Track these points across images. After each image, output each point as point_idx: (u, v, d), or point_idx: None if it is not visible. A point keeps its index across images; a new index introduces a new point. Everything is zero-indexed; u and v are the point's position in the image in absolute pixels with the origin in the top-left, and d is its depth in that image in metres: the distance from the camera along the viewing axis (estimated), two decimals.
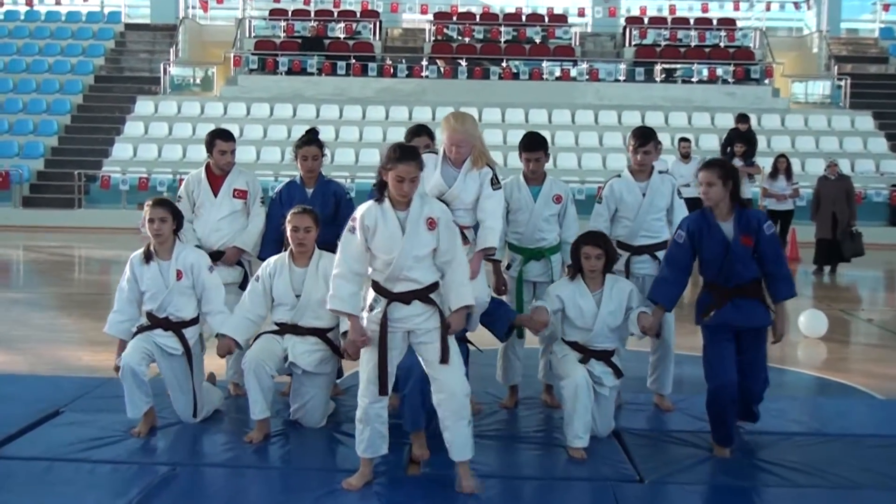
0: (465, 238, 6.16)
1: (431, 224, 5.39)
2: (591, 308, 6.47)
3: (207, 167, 7.54)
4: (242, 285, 7.32)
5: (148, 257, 6.54)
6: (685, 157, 17.31)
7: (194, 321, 6.68)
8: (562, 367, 6.54)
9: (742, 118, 18.25)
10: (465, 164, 6.37)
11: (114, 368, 6.62)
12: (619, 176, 7.35)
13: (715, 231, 6.19)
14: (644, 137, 7.22)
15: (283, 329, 6.60)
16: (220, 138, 7.45)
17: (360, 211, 5.43)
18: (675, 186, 7.35)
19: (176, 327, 6.58)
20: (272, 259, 6.72)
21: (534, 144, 7.21)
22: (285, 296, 6.57)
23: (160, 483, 5.62)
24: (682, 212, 7.03)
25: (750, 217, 6.23)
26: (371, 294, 5.58)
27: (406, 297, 5.42)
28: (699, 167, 6.32)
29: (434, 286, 5.46)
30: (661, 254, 6.92)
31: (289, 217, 6.54)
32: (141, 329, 6.61)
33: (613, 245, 6.71)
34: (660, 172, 7.36)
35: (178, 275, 6.51)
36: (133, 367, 6.38)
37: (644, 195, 7.09)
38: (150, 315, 6.61)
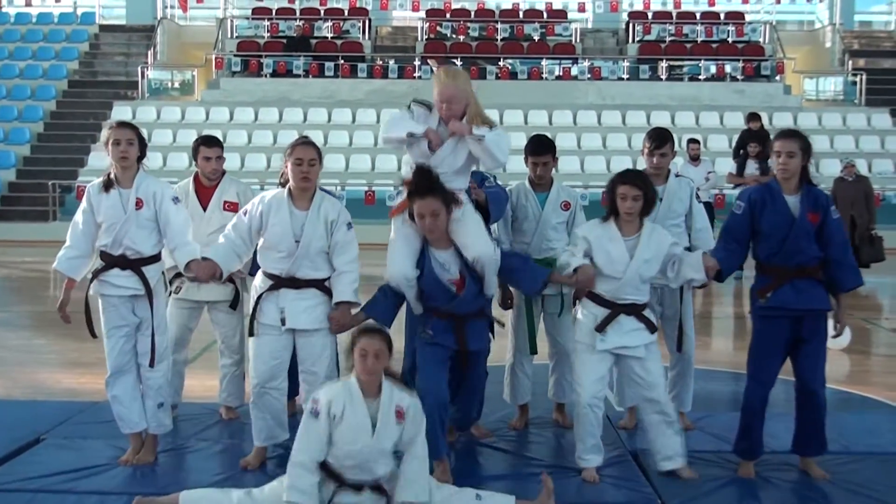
0: (457, 201, 6.10)
1: (399, 415, 5.35)
2: (621, 254, 6.17)
3: (196, 178, 7.44)
4: (233, 303, 7.25)
5: (108, 186, 6.28)
6: (694, 159, 17.27)
7: (154, 258, 6.41)
8: (577, 368, 6.41)
9: (753, 117, 18.27)
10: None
11: (58, 309, 6.37)
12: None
13: (780, 204, 6.09)
14: (661, 139, 7.12)
15: (279, 283, 6.28)
16: (203, 144, 7.36)
17: (325, 394, 5.37)
18: (693, 190, 7.28)
19: (134, 265, 6.30)
20: (267, 195, 6.34)
21: (541, 147, 7.16)
22: (283, 241, 6.20)
23: None
24: (701, 216, 7.01)
25: (818, 195, 6.17)
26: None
27: (359, 486, 5.40)
28: (775, 137, 6.26)
29: (390, 477, 5.43)
30: None
31: (291, 150, 6.25)
32: (95, 274, 6.36)
33: (654, 188, 6.43)
34: (676, 176, 7.27)
35: (139, 203, 6.22)
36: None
37: (661, 200, 6.90)
38: (104, 254, 6.34)
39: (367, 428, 5.30)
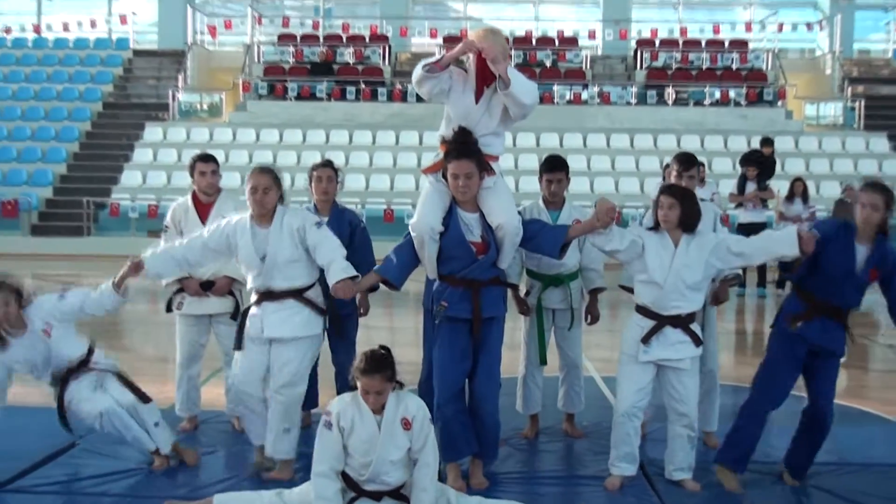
0: (490, 168, 6.08)
1: (406, 424, 5.36)
2: (665, 259, 6.09)
3: (194, 195, 7.42)
4: (234, 315, 7.24)
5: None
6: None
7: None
8: (619, 377, 6.36)
9: (767, 142, 18.25)
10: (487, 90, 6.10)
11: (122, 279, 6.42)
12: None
13: (849, 250, 6.02)
14: (689, 162, 7.11)
15: (260, 298, 6.31)
16: (199, 160, 7.37)
17: (336, 407, 5.41)
18: (718, 215, 7.19)
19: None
20: (233, 218, 6.36)
21: (556, 165, 7.16)
22: (251, 260, 6.24)
23: None
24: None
25: (887, 253, 6.10)
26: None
27: (376, 496, 5.45)
28: (860, 188, 6.19)
29: (405, 484, 5.46)
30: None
31: (248, 177, 6.26)
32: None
33: (697, 201, 6.29)
34: (702, 200, 6.95)
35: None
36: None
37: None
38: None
39: (375, 438, 5.34)
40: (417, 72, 5.99)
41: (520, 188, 21.35)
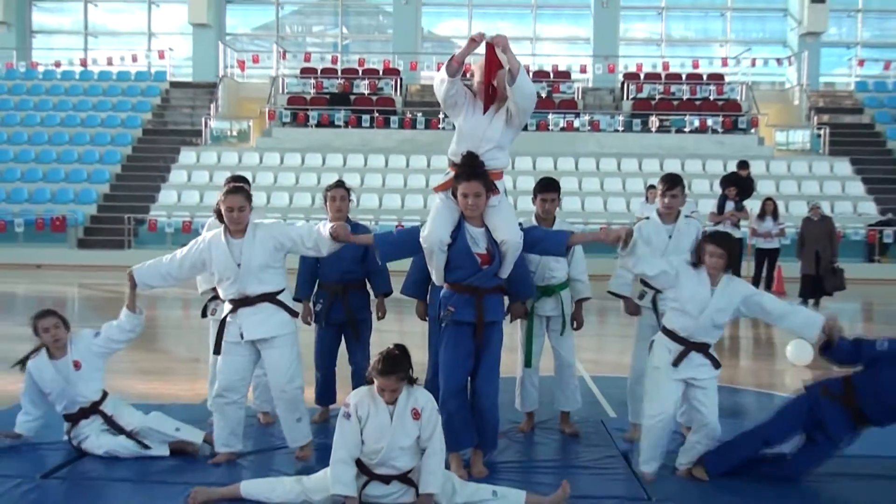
0: (495, 188, 6.09)
1: (416, 415, 5.39)
2: (704, 297, 6.10)
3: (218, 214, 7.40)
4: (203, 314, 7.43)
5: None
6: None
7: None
8: (651, 390, 6.34)
9: (743, 165, 18.25)
10: (493, 106, 6.14)
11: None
12: (647, 218, 7.20)
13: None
14: (672, 182, 7.10)
15: (235, 305, 6.29)
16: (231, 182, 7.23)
17: (354, 399, 5.45)
18: (700, 230, 7.17)
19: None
20: (207, 236, 6.37)
21: (549, 186, 7.14)
22: (227, 267, 6.22)
23: None
24: (685, 267, 6.73)
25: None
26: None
27: (386, 479, 5.45)
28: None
29: (413, 470, 5.47)
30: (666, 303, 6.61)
31: (222, 197, 6.26)
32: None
33: (738, 250, 6.42)
34: (686, 217, 7.18)
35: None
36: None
37: (670, 237, 6.93)
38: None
39: (387, 427, 5.37)
40: (440, 75, 6.08)
41: (518, 206, 21.33)
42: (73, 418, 6.48)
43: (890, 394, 6.01)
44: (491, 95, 6.09)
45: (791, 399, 6.53)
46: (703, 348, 6.20)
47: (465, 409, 6.23)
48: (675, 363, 6.16)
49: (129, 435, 6.46)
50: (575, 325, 7.32)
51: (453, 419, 6.11)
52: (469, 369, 6.21)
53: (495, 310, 6.23)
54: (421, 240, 6.13)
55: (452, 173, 6.16)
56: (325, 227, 6.31)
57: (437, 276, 6.21)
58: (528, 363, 7.20)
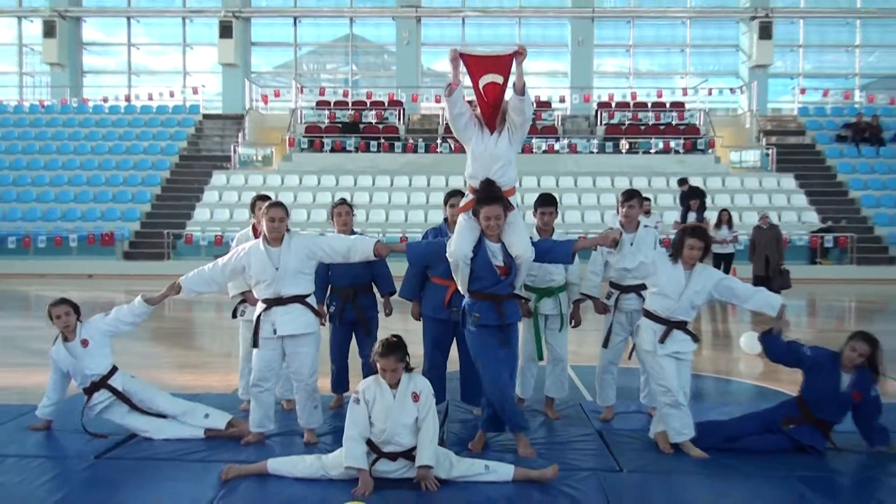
0: (511, 206, 6.11)
1: (415, 397, 5.49)
2: (681, 282, 6.28)
3: (253, 226, 7.38)
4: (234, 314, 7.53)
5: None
6: (646, 213, 17.27)
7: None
8: (650, 370, 6.48)
9: (683, 181, 18.35)
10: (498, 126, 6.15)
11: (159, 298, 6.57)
12: (611, 229, 7.13)
13: (834, 379, 6.19)
14: (628, 195, 7.23)
15: (269, 304, 6.35)
16: (259, 199, 7.25)
17: (362, 386, 5.55)
18: (657, 238, 7.28)
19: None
20: (247, 245, 6.42)
21: (548, 201, 7.16)
22: (265, 272, 6.28)
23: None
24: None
25: (867, 378, 6.19)
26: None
27: (393, 456, 5.52)
28: (854, 337, 6.24)
29: (415, 448, 5.51)
30: (645, 293, 6.69)
31: (264, 210, 6.35)
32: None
33: (710, 240, 6.50)
34: (645, 227, 7.29)
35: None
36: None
37: (632, 244, 7.01)
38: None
39: (392, 407, 5.45)
40: (446, 102, 6.12)
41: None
42: (88, 391, 6.57)
43: (830, 394, 6.20)
44: (494, 117, 6.10)
45: (755, 413, 6.59)
46: (682, 325, 6.34)
47: (513, 395, 6.34)
48: (662, 340, 6.30)
49: (141, 409, 6.55)
50: (573, 323, 7.38)
51: (507, 405, 6.17)
52: (503, 362, 6.21)
53: (513, 312, 6.26)
54: (448, 255, 6.17)
55: (471, 195, 6.16)
56: (366, 244, 6.39)
57: (462, 285, 6.24)
58: (539, 356, 7.26)
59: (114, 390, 6.58)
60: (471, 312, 6.18)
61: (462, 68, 6.02)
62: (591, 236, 6.46)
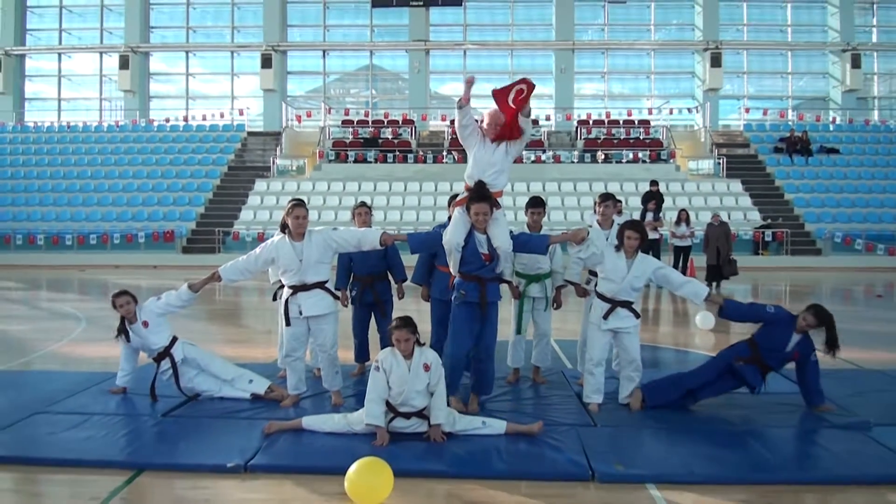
0: (498, 204, 6.18)
1: (426, 367, 5.50)
2: (623, 269, 6.35)
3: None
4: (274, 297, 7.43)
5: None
6: (619, 212, 17.04)
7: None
8: (589, 341, 6.53)
9: (653, 182, 18.30)
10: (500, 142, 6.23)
11: (200, 285, 6.50)
12: (591, 226, 7.26)
13: (786, 335, 6.18)
14: (603, 197, 7.31)
15: (295, 290, 6.35)
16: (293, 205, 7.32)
17: (381, 356, 5.56)
18: None
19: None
20: (275, 239, 6.38)
21: (538, 202, 7.21)
22: (292, 263, 6.28)
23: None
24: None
25: (809, 343, 6.21)
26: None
27: (407, 415, 5.55)
28: (810, 308, 6.22)
29: (426, 408, 5.55)
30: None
31: (289, 209, 6.31)
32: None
33: (647, 232, 6.57)
34: (618, 224, 7.20)
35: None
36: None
37: (607, 239, 6.99)
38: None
39: (406, 376, 5.47)
40: (456, 114, 6.21)
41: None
42: (156, 360, 6.64)
43: (779, 346, 6.19)
44: (506, 128, 6.16)
45: (709, 360, 6.64)
46: (626, 304, 6.39)
47: (467, 365, 6.39)
48: (605, 316, 6.37)
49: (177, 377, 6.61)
50: (555, 306, 7.39)
51: (455, 371, 6.23)
52: (474, 338, 6.29)
53: (495, 293, 6.32)
54: (444, 243, 6.25)
55: (466, 192, 6.25)
56: (373, 234, 6.37)
57: (454, 268, 6.30)
58: (518, 331, 7.27)
59: (173, 361, 6.63)
60: (458, 289, 6.25)
61: (474, 91, 6.20)
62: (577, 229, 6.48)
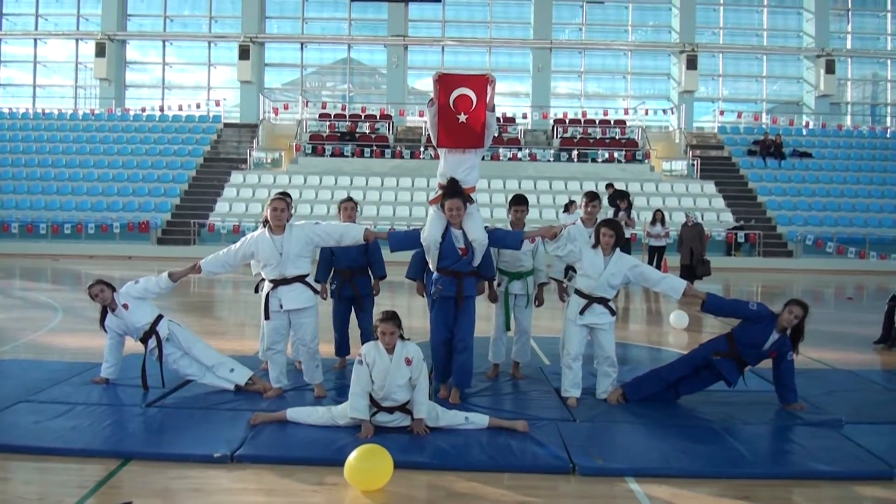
0: (471, 200, 6.28)
1: (408, 361, 5.54)
2: (600, 266, 6.42)
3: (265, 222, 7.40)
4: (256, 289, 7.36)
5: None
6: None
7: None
8: (565, 335, 6.60)
9: (608, 186, 18.50)
10: None
11: (180, 275, 6.57)
12: (574, 224, 7.31)
13: (766, 333, 6.24)
14: (591, 196, 7.36)
15: (276, 283, 6.37)
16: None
17: (364, 350, 5.59)
18: None
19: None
20: (255, 234, 6.43)
21: (521, 200, 7.25)
22: (272, 257, 6.31)
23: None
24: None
25: (786, 343, 6.29)
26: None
27: (390, 409, 5.59)
28: (791, 302, 6.28)
29: (409, 402, 5.60)
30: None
31: (270, 202, 6.36)
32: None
33: (624, 231, 6.67)
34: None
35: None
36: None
37: (590, 237, 6.95)
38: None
39: (389, 369, 5.50)
40: (428, 110, 6.33)
41: (493, 215, 21.41)
42: (143, 341, 6.65)
43: (757, 343, 6.27)
44: (462, 112, 6.26)
45: (687, 354, 6.73)
46: (602, 301, 6.47)
47: (448, 354, 6.47)
48: (581, 312, 6.45)
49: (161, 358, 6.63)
50: (537, 303, 7.46)
51: (440, 360, 6.38)
52: (451, 328, 6.40)
53: (470, 288, 6.42)
54: (422, 239, 6.34)
55: (440, 191, 6.33)
56: (356, 230, 6.45)
57: (432, 263, 6.40)
58: (507, 328, 7.32)
59: (158, 340, 6.63)
60: (436, 284, 6.35)
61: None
62: (551, 226, 6.60)
